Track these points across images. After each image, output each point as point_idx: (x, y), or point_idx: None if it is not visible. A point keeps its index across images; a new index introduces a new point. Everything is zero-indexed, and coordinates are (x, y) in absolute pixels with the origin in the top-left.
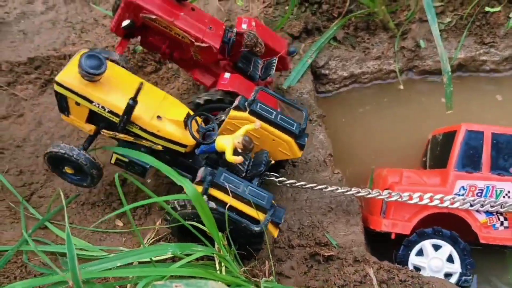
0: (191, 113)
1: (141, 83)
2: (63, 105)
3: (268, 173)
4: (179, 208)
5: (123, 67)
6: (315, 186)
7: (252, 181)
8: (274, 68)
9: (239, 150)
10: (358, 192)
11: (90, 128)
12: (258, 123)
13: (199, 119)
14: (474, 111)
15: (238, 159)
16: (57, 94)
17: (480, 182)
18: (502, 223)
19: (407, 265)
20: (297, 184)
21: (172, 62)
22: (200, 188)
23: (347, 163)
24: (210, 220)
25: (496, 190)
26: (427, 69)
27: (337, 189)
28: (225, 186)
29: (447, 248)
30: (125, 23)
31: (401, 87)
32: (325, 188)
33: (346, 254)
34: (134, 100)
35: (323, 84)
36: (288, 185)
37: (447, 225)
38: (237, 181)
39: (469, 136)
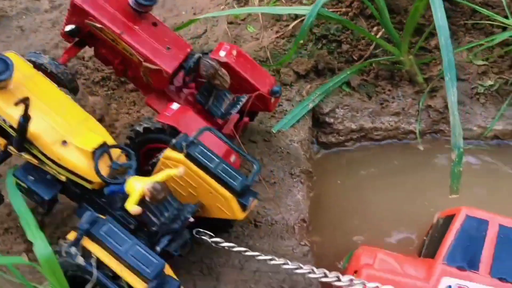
0: (110, 143)
1: (27, 99)
2: None
3: (201, 230)
4: (63, 254)
5: (51, 73)
6: (270, 259)
7: (161, 239)
8: (239, 106)
9: (147, 199)
10: (316, 274)
11: (0, 142)
12: (181, 169)
13: (117, 152)
14: (503, 198)
15: (136, 210)
16: None
17: (474, 285)
18: None
19: None
20: (237, 250)
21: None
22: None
23: (327, 234)
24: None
25: None
26: None
27: (297, 267)
28: (103, 239)
29: None
30: (68, 28)
31: (421, 147)
32: (282, 263)
33: None
34: (24, 117)
35: (326, 134)
36: (226, 248)
37: None
38: (123, 236)
39: (470, 223)
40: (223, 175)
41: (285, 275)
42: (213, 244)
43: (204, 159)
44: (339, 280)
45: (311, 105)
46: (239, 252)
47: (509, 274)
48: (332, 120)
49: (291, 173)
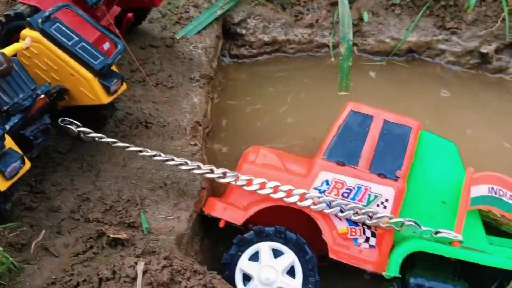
0: None
1: None
2: None
3: (66, 118)
4: None
5: None
6: (154, 155)
7: (10, 118)
8: None
9: None
10: (202, 170)
11: None
12: (28, 40)
13: None
14: (414, 106)
15: None
16: None
17: (351, 180)
18: (367, 239)
19: (233, 270)
20: (107, 141)
21: None
22: None
23: (230, 142)
24: None
25: (369, 194)
26: (367, 49)
27: (182, 163)
28: None
29: (289, 257)
30: None
31: (332, 59)
32: (167, 159)
33: (147, 242)
34: None
35: (238, 47)
36: (93, 139)
37: (306, 228)
38: None
39: (354, 118)
40: (82, 53)
41: (169, 172)
42: (82, 135)
43: (60, 36)
44: (224, 177)
45: (219, 12)
46: (123, 147)
47: (388, 170)
48: (243, 31)
49: (190, 78)
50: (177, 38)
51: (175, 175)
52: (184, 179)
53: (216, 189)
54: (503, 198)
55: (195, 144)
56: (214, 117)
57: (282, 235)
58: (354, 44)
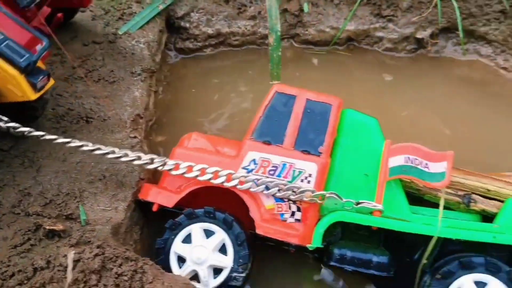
0: None
1: None
2: None
3: None
4: None
5: None
6: (95, 149)
7: None
8: None
9: None
10: (141, 161)
11: None
12: None
13: None
14: (357, 91)
15: None
16: None
17: (276, 157)
18: (293, 214)
19: (168, 254)
20: (36, 134)
21: None
22: None
23: (174, 135)
24: None
25: (293, 170)
26: (309, 39)
27: (122, 156)
28: None
29: (220, 235)
30: None
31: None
32: (107, 152)
33: (83, 232)
34: None
35: (183, 40)
36: (21, 134)
37: (241, 207)
38: None
39: (279, 99)
40: (6, 50)
41: (108, 164)
42: (12, 130)
43: None
44: (151, 162)
45: (161, 7)
46: (63, 143)
47: (311, 146)
48: (187, 24)
49: (132, 72)
50: (120, 33)
51: (114, 168)
52: (123, 170)
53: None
54: (419, 166)
55: (135, 137)
56: (158, 110)
57: (211, 215)
58: (296, 35)
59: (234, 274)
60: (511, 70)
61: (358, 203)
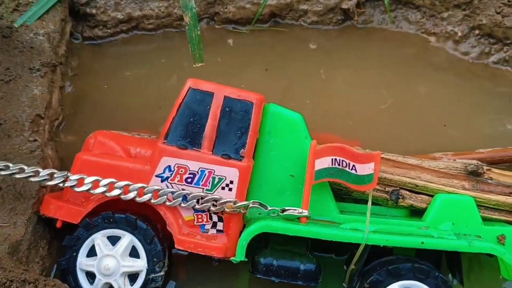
0: None
1: None
2: None
3: None
4: None
5: None
6: None
7: None
8: None
9: None
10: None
11: None
12: None
13: None
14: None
15: None
16: None
17: (194, 164)
18: (214, 225)
19: (75, 273)
20: None
21: None
22: None
23: (86, 130)
24: None
25: (213, 178)
26: (230, 17)
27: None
28: None
29: (126, 239)
30: None
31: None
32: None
33: None
34: None
35: (91, 28)
36: None
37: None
38: None
39: (194, 97)
40: None
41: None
42: None
43: None
44: (51, 179)
45: None
46: None
47: (232, 150)
48: (94, 10)
49: (30, 68)
50: (16, 26)
51: (11, 177)
52: (22, 179)
53: None
54: (346, 169)
55: (35, 140)
56: (66, 107)
57: (112, 220)
58: (216, 14)
59: (152, 275)
60: (441, 36)
61: (283, 211)
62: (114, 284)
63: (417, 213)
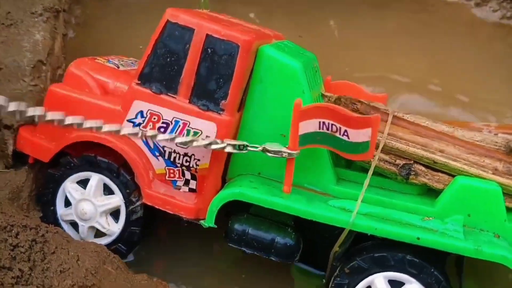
0: None
1: None
2: None
3: None
4: None
5: None
6: None
7: None
8: None
9: None
10: None
11: None
12: None
13: None
14: None
15: None
16: None
17: (168, 112)
18: (187, 182)
19: (60, 227)
20: None
21: None
22: None
23: None
24: None
25: (188, 130)
26: None
27: None
28: None
29: (95, 178)
30: None
31: None
32: None
33: None
34: None
35: None
36: None
37: None
38: None
39: (171, 31)
40: None
41: None
42: None
43: None
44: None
45: None
46: None
47: (211, 100)
48: None
49: (32, 13)
50: None
51: None
52: None
53: None
54: (336, 134)
55: (36, 85)
56: (69, 56)
57: (73, 164)
58: None
59: (131, 207)
60: None
61: (266, 150)
62: (97, 226)
63: (434, 191)
